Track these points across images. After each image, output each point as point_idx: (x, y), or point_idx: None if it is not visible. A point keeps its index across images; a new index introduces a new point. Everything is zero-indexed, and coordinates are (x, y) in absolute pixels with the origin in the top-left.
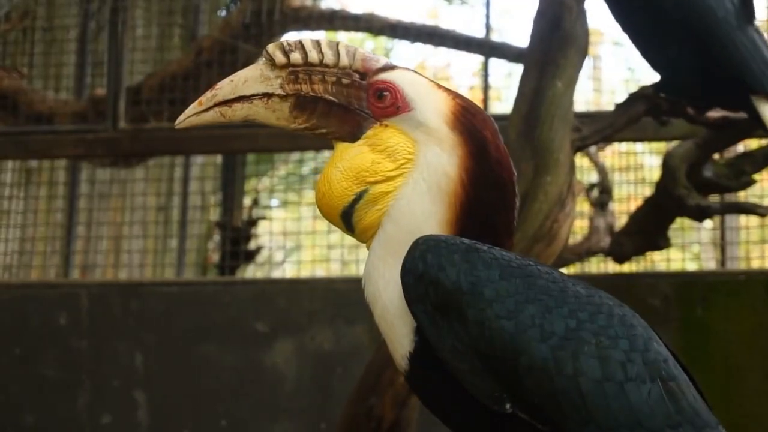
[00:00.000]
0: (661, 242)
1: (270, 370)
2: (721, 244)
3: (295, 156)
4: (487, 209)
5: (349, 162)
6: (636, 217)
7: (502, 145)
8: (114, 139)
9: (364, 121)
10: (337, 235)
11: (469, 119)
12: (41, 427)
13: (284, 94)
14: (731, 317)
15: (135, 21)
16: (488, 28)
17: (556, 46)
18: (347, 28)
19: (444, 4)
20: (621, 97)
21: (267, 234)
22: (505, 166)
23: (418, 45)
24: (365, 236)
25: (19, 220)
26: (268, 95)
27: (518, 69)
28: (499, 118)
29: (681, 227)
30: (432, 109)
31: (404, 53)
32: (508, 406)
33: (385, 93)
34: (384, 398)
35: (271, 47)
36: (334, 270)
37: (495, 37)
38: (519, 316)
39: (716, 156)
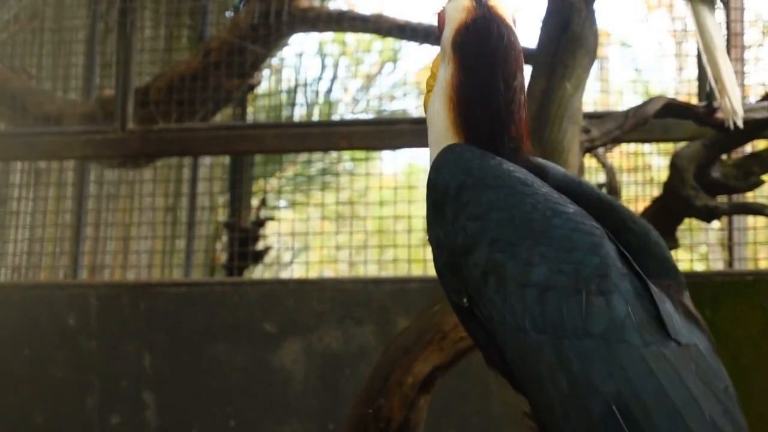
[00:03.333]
0: (669, 243)
1: (278, 371)
2: (729, 245)
3: (303, 157)
4: (481, 111)
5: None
6: (644, 218)
7: (503, 50)
8: (122, 140)
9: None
10: (345, 236)
11: (464, 36)
12: (51, 427)
13: None
14: (739, 318)
15: (143, 22)
16: None
17: (564, 47)
18: (355, 29)
19: None
20: (628, 98)
21: (275, 235)
22: (503, 71)
23: (426, 46)
24: None
25: (28, 221)
26: None
27: (526, 70)
28: None
29: (689, 228)
30: (448, 31)
31: (412, 54)
32: (465, 300)
33: (439, 20)
34: (392, 399)
35: None
36: (342, 271)
37: None
38: (481, 221)
39: (724, 157)
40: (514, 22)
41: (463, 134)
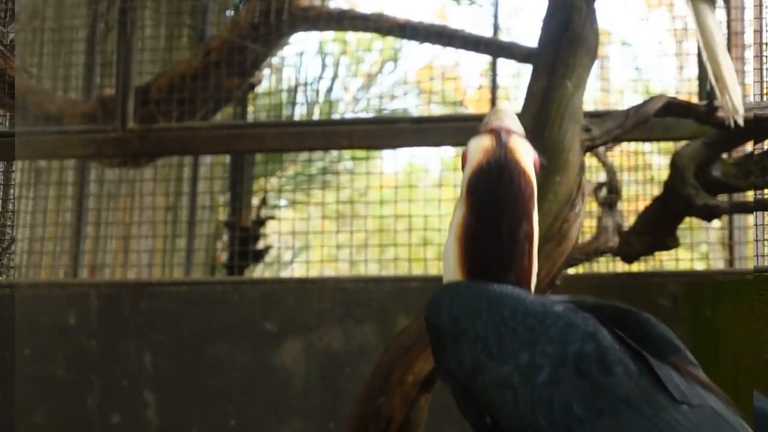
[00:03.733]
0: (670, 242)
1: (279, 370)
2: (730, 244)
3: (304, 156)
4: (484, 255)
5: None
6: (644, 217)
7: (511, 198)
8: (123, 139)
9: None
10: (346, 235)
11: (477, 179)
12: (51, 426)
13: None
14: (740, 317)
15: (143, 21)
16: (496, 28)
17: (565, 46)
18: (356, 28)
19: (452, 4)
20: (629, 97)
21: (275, 234)
22: (508, 218)
23: (427, 45)
24: None
25: (28, 220)
26: None
27: (526, 69)
28: None
29: (689, 227)
30: (466, 171)
31: (413, 53)
32: (488, 418)
33: (462, 158)
34: (393, 398)
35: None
36: (343, 270)
37: (503, 37)
38: (480, 342)
39: (725, 155)
40: (535, 165)
41: (466, 274)
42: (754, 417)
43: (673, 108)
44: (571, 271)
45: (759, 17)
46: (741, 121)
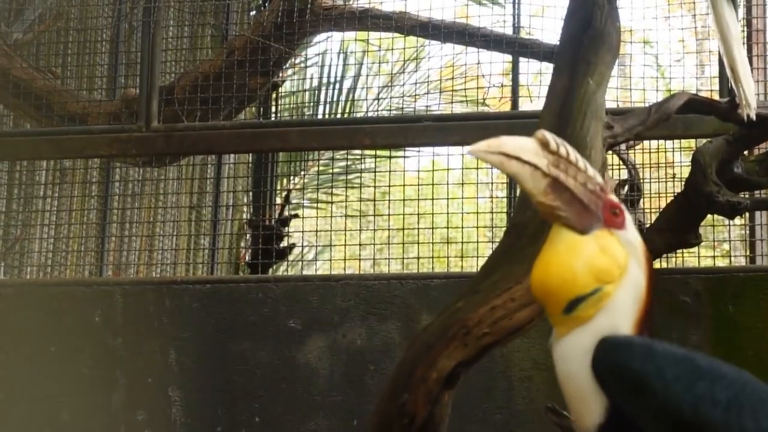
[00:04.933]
0: (692, 239)
1: (303, 367)
2: (751, 241)
3: (327, 155)
4: (651, 311)
5: (591, 259)
6: (666, 214)
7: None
8: (147, 139)
9: (596, 222)
10: (368, 234)
11: (647, 252)
12: (77, 423)
13: (547, 173)
14: (761, 313)
15: (167, 21)
16: (518, 26)
17: (587, 44)
18: (378, 28)
19: (474, 3)
20: (650, 95)
21: (298, 232)
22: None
23: (449, 44)
24: (574, 323)
25: (54, 220)
26: (536, 167)
27: (548, 67)
28: (530, 116)
29: (711, 224)
30: (636, 235)
31: (435, 52)
32: None
33: (617, 211)
34: (416, 395)
35: (544, 134)
36: (366, 268)
37: (525, 36)
38: (694, 390)
39: (746, 152)
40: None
41: (639, 331)
42: None
43: (694, 105)
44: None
45: (762, 16)
46: (753, 115)
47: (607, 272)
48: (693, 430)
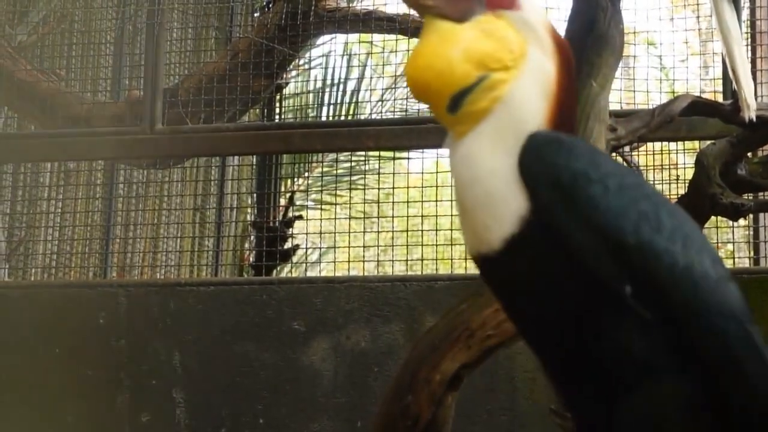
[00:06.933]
0: None
1: (307, 369)
2: (755, 243)
3: (330, 156)
4: (569, 113)
5: (471, 44)
6: None
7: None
8: (151, 141)
9: (476, 6)
10: (372, 236)
11: (558, 33)
12: (81, 425)
13: None
14: (766, 315)
15: (171, 23)
16: None
17: (590, 46)
18: (382, 30)
19: None
20: (654, 97)
21: (302, 234)
22: (575, 79)
23: None
24: (467, 120)
25: (58, 221)
26: None
27: None
28: None
29: (715, 226)
30: (537, 15)
31: None
32: (627, 288)
33: None
34: (420, 396)
35: None
36: (369, 270)
37: None
38: (638, 206)
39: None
40: None
41: (554, 126)
42: None
43: (698, 107)
44: None
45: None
46: (753, 116)
47: (492, 57)
48: (628, 251)
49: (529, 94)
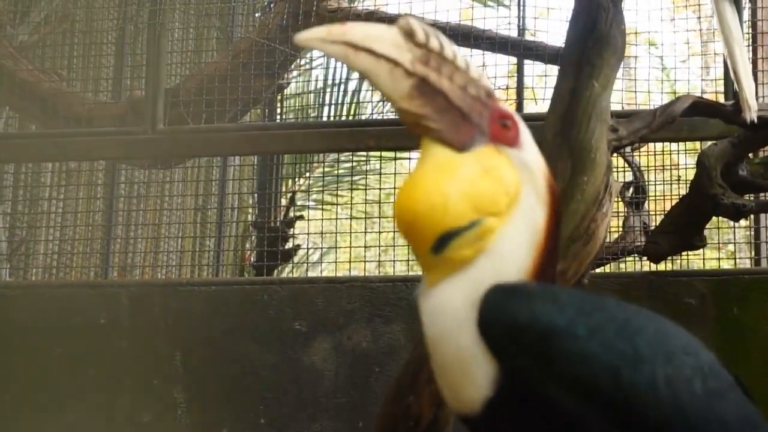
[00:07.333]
0: (696, 241)
1: (308, 369)
2: (756, 243)
3: (332, 157)
4: (552, 261)
5: (470, 183)
6: (671, 217)
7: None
8: (152, 141)
9: (479, 136)
10: (373, 236)
11: (551, 176)
12: (82, 425)
13: (412, 71)
14: (766, 315)
15: (173, 24)
16: (522, 29)
17: (592, 46)
18: None
19: (479, 5)
20: (656, 97)
21: (303, 234)
22: (561, 224)
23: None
24: (446, 266)
25: (59, 221)
26: (396, 63)
27: (552, 70)
28: (535, 118)
29: (716, 226)
30: (535, 157)
31: None
32: None
33: (508, 122)
34: (421, 397)
35: (410, 20)
36: (371, 270)
37: (530, 38)
38: (612, 348)
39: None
40: None
41: (536, 276)
42: None
43: (699, 108)
44: (599, 270)
45: None
46: (754, 117)
47: (489, 200)
48: (611, 398)
49: (516, 246)
